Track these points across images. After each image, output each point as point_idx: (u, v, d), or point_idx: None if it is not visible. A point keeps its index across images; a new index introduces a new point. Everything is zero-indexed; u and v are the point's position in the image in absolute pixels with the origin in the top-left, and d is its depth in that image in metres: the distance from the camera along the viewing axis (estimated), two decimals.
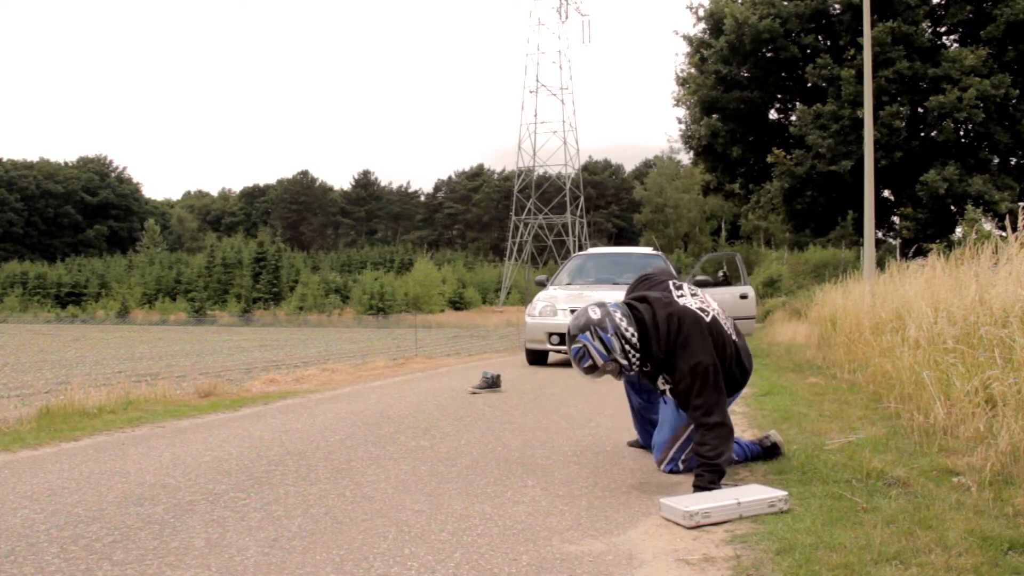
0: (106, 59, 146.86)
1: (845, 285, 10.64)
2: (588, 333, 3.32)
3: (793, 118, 19.60)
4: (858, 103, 16.02)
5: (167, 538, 2.63)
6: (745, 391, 6.69)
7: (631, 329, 3.33)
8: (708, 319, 3.41)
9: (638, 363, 3.39)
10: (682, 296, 3.49)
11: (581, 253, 11.64)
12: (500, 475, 3.57)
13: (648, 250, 11.40)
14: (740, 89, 19.55)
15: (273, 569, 2.34)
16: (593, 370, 3.37)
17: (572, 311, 8.90)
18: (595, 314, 3.36)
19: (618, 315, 3.35)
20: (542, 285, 10.15)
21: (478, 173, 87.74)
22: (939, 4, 18.05)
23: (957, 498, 2.95)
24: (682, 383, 3.30)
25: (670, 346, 3.34)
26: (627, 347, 3.33)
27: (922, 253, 9.55)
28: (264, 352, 15.97)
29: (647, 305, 3.43)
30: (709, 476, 3.15)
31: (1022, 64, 17.14)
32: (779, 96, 20.67)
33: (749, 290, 10.63)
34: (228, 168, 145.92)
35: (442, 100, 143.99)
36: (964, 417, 4.02)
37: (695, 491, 3.11)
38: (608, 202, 77.70)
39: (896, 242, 19.58)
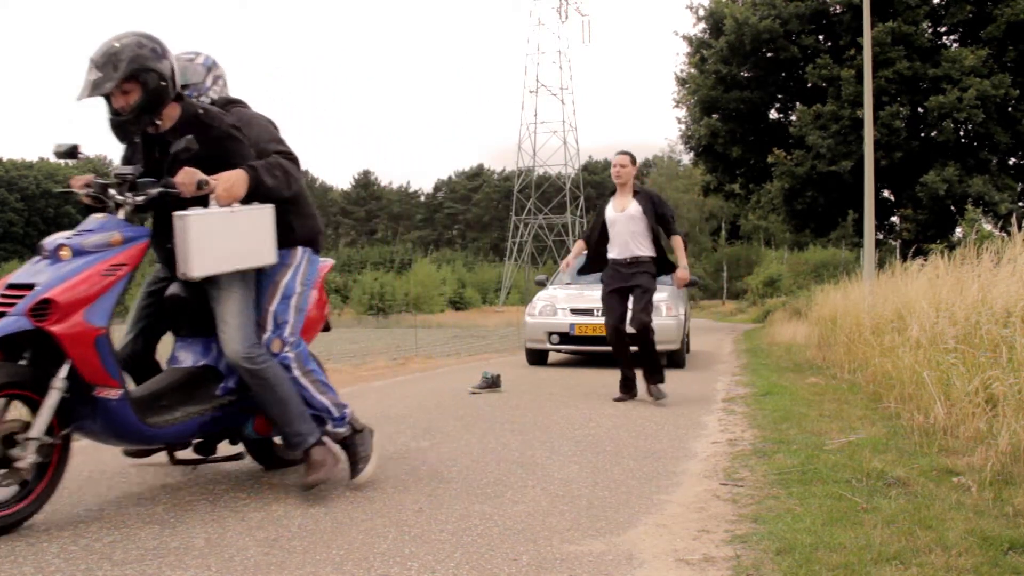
0: None
1: (845, 285, 10.63)
2: None
3: (793, 118, 19.60)
4: (858, 103, 16.01)
5: (167, 538, 2.63)
6: (744, 391, 6.71)
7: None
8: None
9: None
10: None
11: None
12: (500, 475, 3.57)
13: None
14: (740, 89, 19.55)
15: (273, 569, 2.34)
16: None
17: (572, 311, 8.89)
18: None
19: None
20: (542, 285, 10.13)
21: (478, 173, 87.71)
22: (939, 4, 18.04)
23: (957, 498, 2.95)
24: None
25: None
26: None
27: (922, 254, 9.54)
28: None
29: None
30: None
31: (1022, 64, 17.15)
32: (779, 96, 20.68)
33: None
34: None
35: (442, 100, 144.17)
36: (964, 417, 4.02)
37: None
38: None
39: (896, 243, 19.58)
